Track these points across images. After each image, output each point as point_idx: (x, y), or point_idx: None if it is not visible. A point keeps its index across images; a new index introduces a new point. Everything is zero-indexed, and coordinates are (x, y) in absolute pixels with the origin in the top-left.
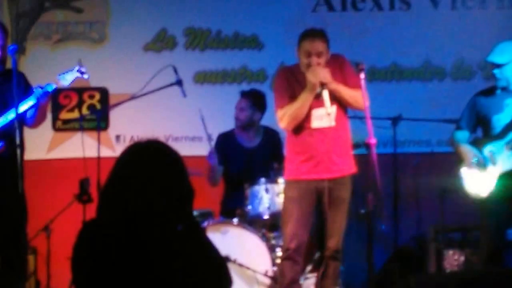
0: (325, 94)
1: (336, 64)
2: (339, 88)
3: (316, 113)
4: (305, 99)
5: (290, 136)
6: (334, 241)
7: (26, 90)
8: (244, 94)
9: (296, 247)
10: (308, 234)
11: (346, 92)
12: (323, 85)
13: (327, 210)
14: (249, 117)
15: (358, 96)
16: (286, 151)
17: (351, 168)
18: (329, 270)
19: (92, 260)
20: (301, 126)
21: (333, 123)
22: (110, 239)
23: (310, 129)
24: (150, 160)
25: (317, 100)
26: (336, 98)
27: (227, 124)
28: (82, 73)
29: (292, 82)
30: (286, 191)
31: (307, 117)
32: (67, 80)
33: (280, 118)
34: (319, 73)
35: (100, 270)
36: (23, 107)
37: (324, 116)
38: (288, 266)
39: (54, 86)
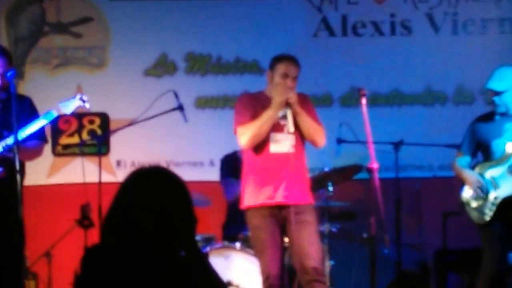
0: (289, 115)
1: (300, 98)
2: (303, 113)
3: (275, 137)
4: (268, 116)
5: (248, 160)
6: (312, 263)
7: (31, 115)
8: None
9: (277, 273)
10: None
11: (309, 120)
12: (287, 105)
13: (294, 234)
14: None
15: (319, 129)
16: (242, 176)
17: (310, 198)
18: None
19: (95, 286)
20: (259, 150)
21: (291, 150)
22: (113, 265)
23: (268, 153)
24: (153, 186)
25: (278, 124)
26: (296, 125)
27: (228, 149)
28: (83, 101)
29: (256, 105)
30: (249, 219)
31: (266, 141)
32: (68, 108)
33: (240, 135)
34: (286, 92)
35: None
36: (25, 132)
37: (284, 140)
38: None
39: (55, 114)
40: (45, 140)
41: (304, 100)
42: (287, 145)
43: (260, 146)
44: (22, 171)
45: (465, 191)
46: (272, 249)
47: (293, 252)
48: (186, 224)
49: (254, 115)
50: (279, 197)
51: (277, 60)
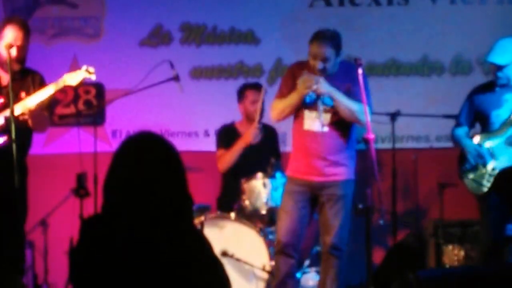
0: (319, 101)
1: (346, 71)
2: (335, 97)
3: (308, 114)
4: (291, 100)
5: (293, 131)
6: (329, 238)
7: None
8: (255, 86)
9: (289, 241)
10: (304, 230)
11: (343, 104)
12: (315, 92)
13: (323, 208)
14: (262, 108)
15: (357, 111)
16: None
17: (346, 174)
18: (326, 266)
19: (93, 255)
20: (296, 125)
21: (325, 129)
22: (110, 237)
23: (302, 130)
24: (145, 154)
25: (312, 103)
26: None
27: (224, 119)
28: (89, 73)
29: (298, 76)
30: (285, 186)
31: (300, 117)
32: (75, 79)
33: (271, 108)
34: (308, 82)
35: (99, 266)
36: (34, 100)
37: (314, 121)
38: (281, 260)
39: (62, 85)
40: (52, 113)
41: (350, 74)
42: (319, 124)
43: (297, 121)
44: (28, 141)
45: (462, 161)
46: (290, 218)
47: (320, 225)
48: (181, 193)
49: (294, 87)
50: (309, 173)
51: (311, 38)
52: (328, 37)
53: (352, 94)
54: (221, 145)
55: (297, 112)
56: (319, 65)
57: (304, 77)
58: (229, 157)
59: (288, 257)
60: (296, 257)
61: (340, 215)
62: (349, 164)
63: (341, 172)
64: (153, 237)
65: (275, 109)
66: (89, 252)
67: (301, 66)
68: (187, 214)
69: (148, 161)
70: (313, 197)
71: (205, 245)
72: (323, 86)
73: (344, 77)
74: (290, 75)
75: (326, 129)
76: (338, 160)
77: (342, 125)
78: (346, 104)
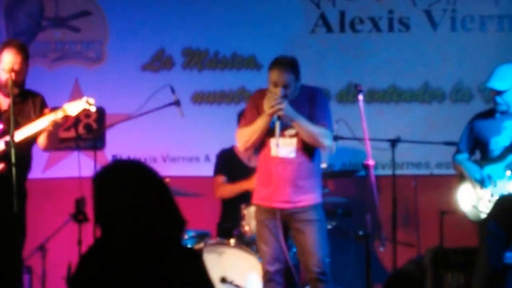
0: (278, 125)
1: (307, 95)
2: (297, 122)
3: (275, 142)
4: (257, 125)
5: (259, 158)
6: (313, 262)
7: (41, 113)
8: None
9: (276, 269)
10: (286, 255)
11: (306, 129)
12: (278, 116)
13: (298, 233)
14: None
15: (320, 134)
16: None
17: (315, 199)
18: None
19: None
20: (262, 152)
21: (292, 155)
22: (106, 263)
23: (269, 156)
24: (132, 178)
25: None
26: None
27: (224, 144)
28: (89, 104)
29: (261, 105)
30: (256, 214)
31: (266, 145)
32: (74, 110)
33: (236, 137)
34: (275, 105)
35: None
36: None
37: (283, 146)
38: None
39: (61, 115)
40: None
41: (311, 96)
42: (287, 150)
43: (263, 148)
44: (27, 165)
45: (460, 189)
46: (270, 245)
47: (297, 252)
48: (171, 215)
49: (257, 116)
50: (276, 201)
51: (270, 66)
52: (287, 63)
53: (314, 118)
54: (220, 171)
55: (262, 140)
56: (280, 91)
57: (268, 97)
58: (228, 193)
59: (277, 284)
60: (283, 283)
61: (320, 238)
62: (317, 189)
63: (310, 197)
64: (146, 263)
65: (242, 136)
66: (85, 280)
67: (262, 95)
68: (178, 235)
69: (131, 187)
70: (284, 224)
71: (199, 266)
72: (286, 109)
73: (305, 101)
74: (253, 104)
75: (293, 155)
76: (306, 186)
77: (309, 150)
78: (308, 128)
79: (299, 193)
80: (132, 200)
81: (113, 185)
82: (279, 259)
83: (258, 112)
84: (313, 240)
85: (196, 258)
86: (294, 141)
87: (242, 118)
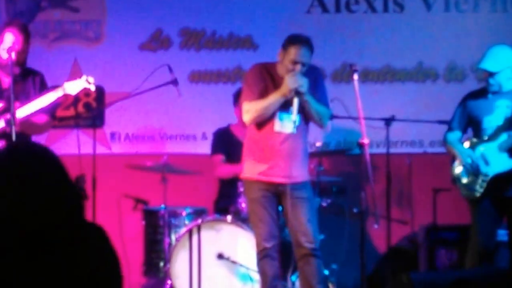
0: (296, 102)
1: (312, 75)
2: (310, 101)
3: (281, 117)
4: (274, 100)
5: (251, 132)
6: (305, 238)
7: (41, 90)
8: None
9: (271, 245)
10: (280, 231)
11: (315, 108)
12: (297, 93)
13: (290, 210)
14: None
15: (323, 114)
16: (244, 147)
17: (306, 176)
18: (308, 268)
19: None
20: (264, 126)
21: (295, 131)
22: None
23: (272, 131)
24: (26, 160)
25: (285, 105)
26: (303, 109)
27: (221, 122)
28: (89, 83)
29: (267, 79)
30: (246, 191)
31: (271, 118)
32: (74, 89)
33: (246, 111)
34: (298, 81)
35: None
36: (32, 107)
37: (289, 122)
38: (267, 264)
39: (61, 93)
40: (54, 117)
41: (315, 76)
42: (291, 126)
43: (265, 123)
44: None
45: (455, 167)
46: (266, 222)
47: (289, 229)
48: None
49: (263, 92)
50: (276, 175)
51: (289, 42)
52: (307, 42)
53: (315, 97)
54: (217, 150)
55: None
56: (300, 69)
57: (292, 74)
58: (226, 173)
59: (273, 260)
60: (278, 258)
61: (311, 215)
62: (307, 166)
63: (305, 173)
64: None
65: (253, 110)
66: None
67: (266, 67)
68: (78, 210)
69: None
70: (279, 197)
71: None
72: (306, 86)
73: (310, 80)
74: (260, 76)
75: (295, 131)
76: (303, 162)
77: (305, 127)
78: (316, 106)
79: (296, 168)
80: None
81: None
82: (274, 236)
83: (266, 85)
84: (306, 217)
85: (96, 233)
86: (298, 118)
87: (247, 92)
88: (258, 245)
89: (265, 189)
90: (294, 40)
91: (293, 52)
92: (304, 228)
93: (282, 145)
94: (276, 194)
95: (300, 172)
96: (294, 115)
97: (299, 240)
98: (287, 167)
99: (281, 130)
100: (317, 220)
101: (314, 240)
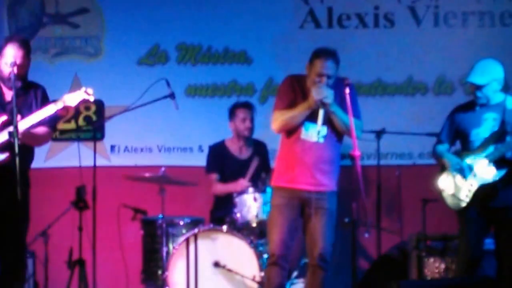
0: (321, 113)
1: (338, 87)
2: (337, 112)
3: (307, 126)
4: (301, 110)
5: (282, 140)
6: (318, 249)
7: (43, 103)
8: (245, 105)
9: (282, 253)
10: (294, 241)
11: (341, 119)
12: (323, 104)
13: (310, 219)
14: (252, 126)
15: (355, 125)
16: (276, 157)
17: (333, 186)
18: (313, 278)
19: None
20: (291, 135)
21: (321, 140)
22: None
23: (299, 139)
24: None
25: (312, 115)
26: (330, 120)
27: (217, 135)
28: (88, 94)
29: (297, 90)
30: (272, 198)
31: (299, 127)
32: (73, 100)
33: (274, 119)
34: (323, 93)
35: None
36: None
37: (314, 132)
38: (274, 271)
39: (61, 105)
40: (54, 129)
41: (337, 89)
42: (316, 136)
43: (293, 131)
44: (30, 155)
45: (441, 178)
46: (281, 230)
47: (306, 235)
48: None
49: (293, 102)
50: (299, 182)
51: (315, 55)
52: (334, 55)
53: (343, 108)
54: (212, 169)
55: None
56: (326, 82)
57: (320, 89)
58: (219, 192)
59: (282, 268)
60: (287, 268)
61: (328, 228)
62: (336, 177)
63: (330, 183)
64: None
65: (280, 120)
66: None
67: (297, 79)
68: None
69: None
70: (300, 208)
71: None
72: (332, 98)
73: (336, 93)
74: (291, 88)
75: (322, 140)
76: (329, 171)
77: (335, 138)
78: (342, 117)
79: (321, 177)
80: None
81: None
82: (287, 245)
83: (296, 96)
84: (323, 229)
85: None
86: (325, 128)
87: (278, 101)
88: (269, 250)
89: (288, 197)
90: (319, 53)
91: (319, 65)
92: (319, 240)
93: (306, 153)
94: (300, 202)
95: (325, 182)
96: (319, 125)
97: (312, 250)
98: (311, 175)
99: (306, 139)
100: (334, 232)
101: (325, 253)
